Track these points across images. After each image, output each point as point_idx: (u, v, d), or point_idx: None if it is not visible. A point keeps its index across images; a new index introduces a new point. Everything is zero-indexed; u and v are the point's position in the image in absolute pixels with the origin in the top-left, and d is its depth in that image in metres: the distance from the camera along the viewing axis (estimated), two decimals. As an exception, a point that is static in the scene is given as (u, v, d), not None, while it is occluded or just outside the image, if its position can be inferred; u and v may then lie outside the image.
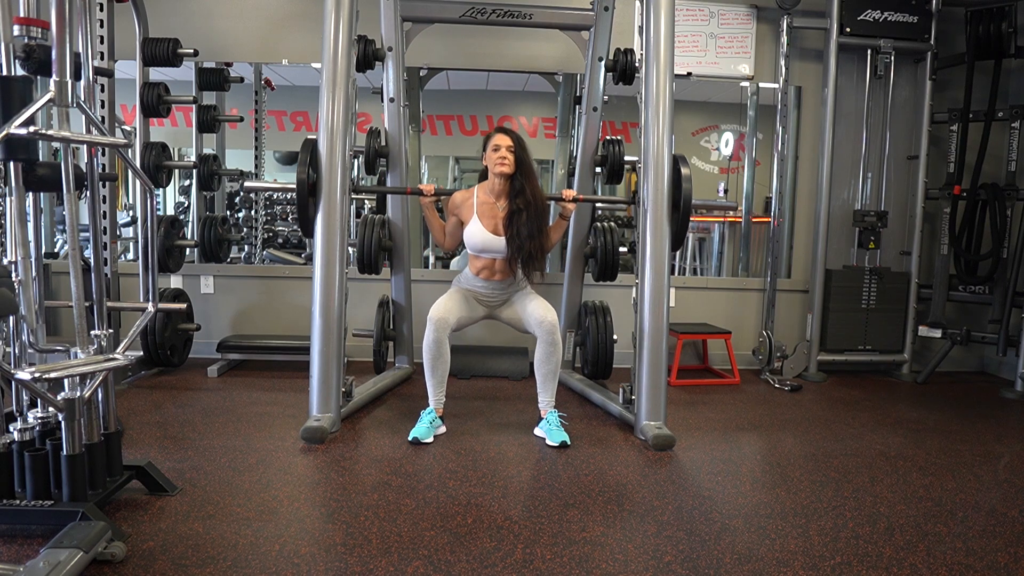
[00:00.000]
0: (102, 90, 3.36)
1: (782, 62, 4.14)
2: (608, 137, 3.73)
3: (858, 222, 4.22)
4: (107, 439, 2.07)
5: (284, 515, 2.09)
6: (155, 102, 3.71)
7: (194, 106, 4.02)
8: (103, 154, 3.28)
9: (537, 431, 2.92)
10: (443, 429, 2.92)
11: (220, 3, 4.11)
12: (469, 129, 5.66)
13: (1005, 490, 2.51)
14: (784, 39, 4.11)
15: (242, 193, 5.05)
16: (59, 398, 1.87)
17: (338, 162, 2.87)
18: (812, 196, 4.34)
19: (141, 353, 3.64)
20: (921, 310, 4.36)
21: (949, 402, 3.77)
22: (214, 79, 4.17)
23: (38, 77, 2.01)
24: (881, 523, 2.15)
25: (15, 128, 1.72)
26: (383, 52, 3.54)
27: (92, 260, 2.18)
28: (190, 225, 4.24)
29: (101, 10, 3.34)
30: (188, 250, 4.10)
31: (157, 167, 3.66)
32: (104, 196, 3.33)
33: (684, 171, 2.88)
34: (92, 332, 2.01)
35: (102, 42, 3.36)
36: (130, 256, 4.66)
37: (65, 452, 1.88)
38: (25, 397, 2.05)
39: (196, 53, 3.80)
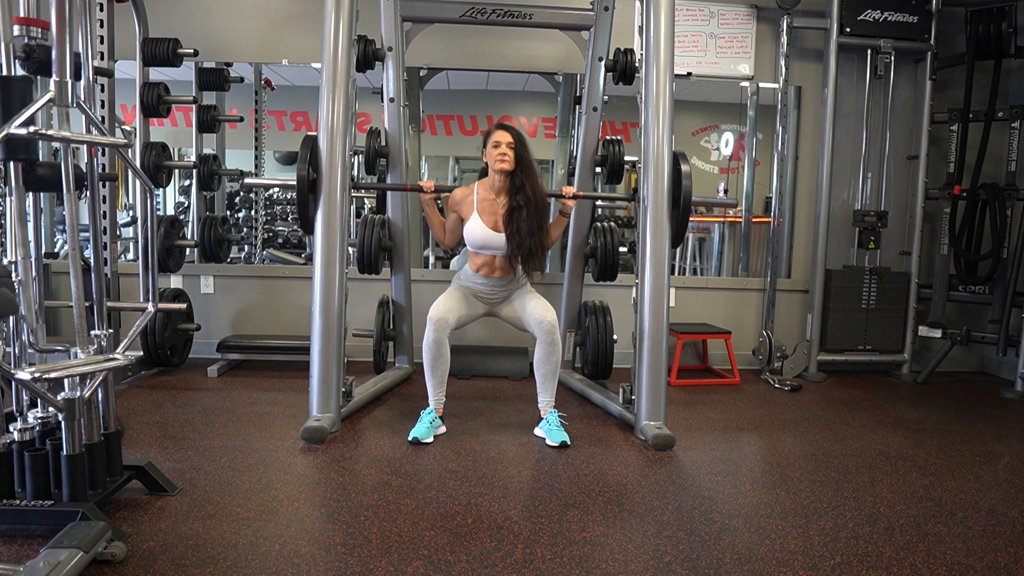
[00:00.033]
0: (102, 90, 3.36)
1: (782, 62, 4.14)
2: (608, 137, 3.73)
3: (858, 222, 4.23)
4: (107, 439, 2.07)
5: (284, 515, 2.09)
6: (155, 102, 3.71)
7: (194, 106, 4.02)
8: (103, 154, 3.28)
9: (537, 431, 2.92)
10: (443, 429, 2.92)
11: (220, 3, 4.11)
12: (469, 129, 5.66)
13: (1005, 490, 2.51)
14: (784, 39, 4.11)
15: (242, 193, 5.05)
16: (59, 398, 1.87)
17: (338, 162, 2.87)
18: (812, 196, 4.34)
19: (141, 353, 3.64)
20: (921, 310, 4.36)
21: (949, 402, 3.77)
22: (214, 79, 4.17)
23: (38, 77, 2.01)
24: (881, 523, 2.15)
25: (15, 128, 1.72)
26: (383, 52, 3.54)
27: (92, 260, 2.18)
28: (190, 225, 4.24)
29: (101, 10, 3.34)
30: (188, 250, 4.10)
31: (157, 167, 3.66)
32: (104, 196, 3.33)
33: (684, 168, 2.88)
34: (92, 332, 2.01)
35: (102, 42, 3.36)
36: (130, 256, 4.66)
37: (65, 452, 1.88)
38: (25, 397, 2.05)
39: (196, 53, 3.80)
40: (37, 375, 1.72)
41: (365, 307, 4.03)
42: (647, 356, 2.92)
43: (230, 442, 2.73)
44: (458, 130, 5.68)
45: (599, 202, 4.03)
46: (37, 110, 1.77)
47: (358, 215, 4.61)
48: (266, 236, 5.16)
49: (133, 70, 3.72)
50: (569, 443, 2.78)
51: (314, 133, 2.91)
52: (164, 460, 2.46)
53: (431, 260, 5.21)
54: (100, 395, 2.05)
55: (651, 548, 1.94)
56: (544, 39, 4.16)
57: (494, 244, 2.89)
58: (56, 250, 4.66)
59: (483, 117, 5.57)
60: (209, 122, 4.06)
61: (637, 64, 3.25)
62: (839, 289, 4.22)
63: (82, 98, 2.00)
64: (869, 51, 4.17)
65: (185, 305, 3.89)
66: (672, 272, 3.09)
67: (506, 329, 3.67)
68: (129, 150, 3.26)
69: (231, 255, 4.45)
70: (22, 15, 1.99)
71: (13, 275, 1.86)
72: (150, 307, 2.17)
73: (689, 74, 4.24)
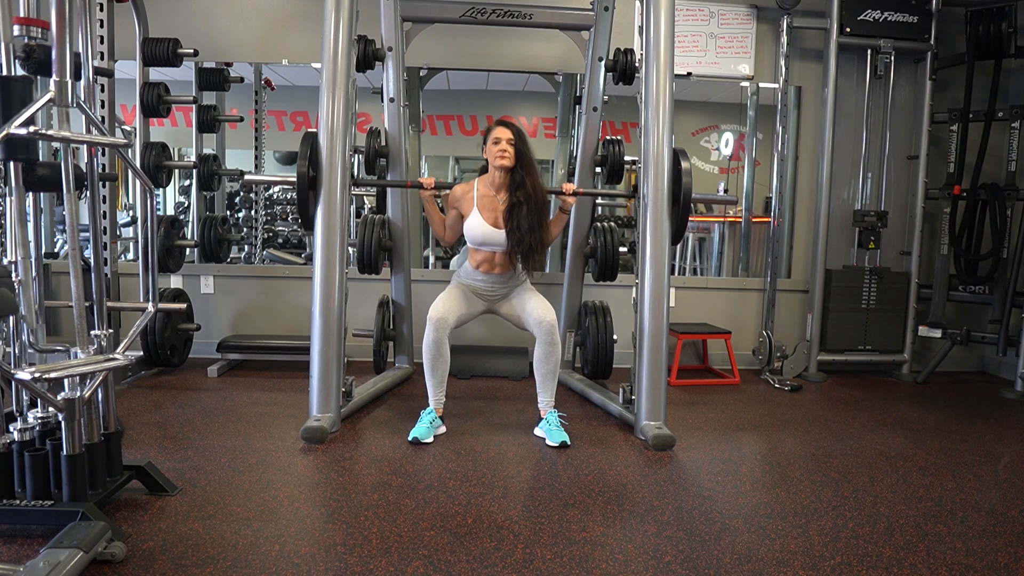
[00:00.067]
0: (102, 90, 3.36)
1: (782, 62, 4.14)
2: (608, 137, 3.73)
3: (858, 222, 4.23)
4: (107, 439, 2.07)
5: (284, 515, 2.09)
6: (155, 102, 3.71)
7: (194, 106, 4.02)
8: (103, 154, 3.28)
9: (537, 431, 2.92)
10: (443, 429, 2.92)
11: (220, 3, 4.11)
12: (469, 129, 5.66)
13: (1005, 490, 2.51)
14: (784, 39, 4.11)
15: (242, 193, 5.05)
16: (59, 398, 1.87)
17: (338, 162, 2.87)
18: (812, 196, 4.34)
19: (141, 353, 3.64)
20: (921, 310, 4.36)
21: (949, 402, 3.77)
22: (214, 79, 4.16)
23: (38, 77, 2.01)
24: (881, 523, 2.15)
25: (15, 128, 1.72)
26: (383, 52, 3.54)
27: (92, 260, 2.18)
28: (190, 225, 4.24)
29: (101, 10, 3.34)
30: (188, 250, 4.10)
31: (157, 167, 3.66)
32: (104, 196, 3.34)
33: (684, 165, 2.88)
34: (92, 332, 2.01)
35: (102, 42, 3.36)
36: (130, 256, 4.66)
37: (65, 452, 1.88)
38: (25, 397, 2.05)
39: (196, 53, 3.80)
40: (37, 375, 1.72)
41: (365, 307, 4.03)
42: (647, 356, 2.92)
43: (230, 442, 2.73)
44: (458, 130, 5.68)
45: (599, 201, 4.03)
46: (37, 110, 1.77)
47: (358, 215, 4.61)
48: (266, 236, 5.16)
49: (133, 70, 3.72)
50: (569, 443, 2.78)
51: (314, 129, 2.91)
52: (164, 460, 2.46)
53: (431, 260, 5.21)
54: (100, 395, 2.05)
55: (651, 548, 1.94)
56: (544, 39, 4.16)
57: (494, 240, 2.89)
58: (56, 250, 4.66)
59: (483, 117, 5.57)
60: (209, 122, 4.06)
61: (637, 64, 3.25)
62: (839, 289, 4.22)
63: (82, 98, 2.00)
64: (869, 51, 4.17)
65: (185, 305, 3.89)
66: (672, 272, 3.10)
67: (506, 329, 3.66)
68: (129, 150, 3.25)
69: (231, 255, 4.45)
70: (22, 15, 1.99)
71: (13, 275, 1.86)
72: (150, 307, 2.17)
73: (689, 74, 4.24)
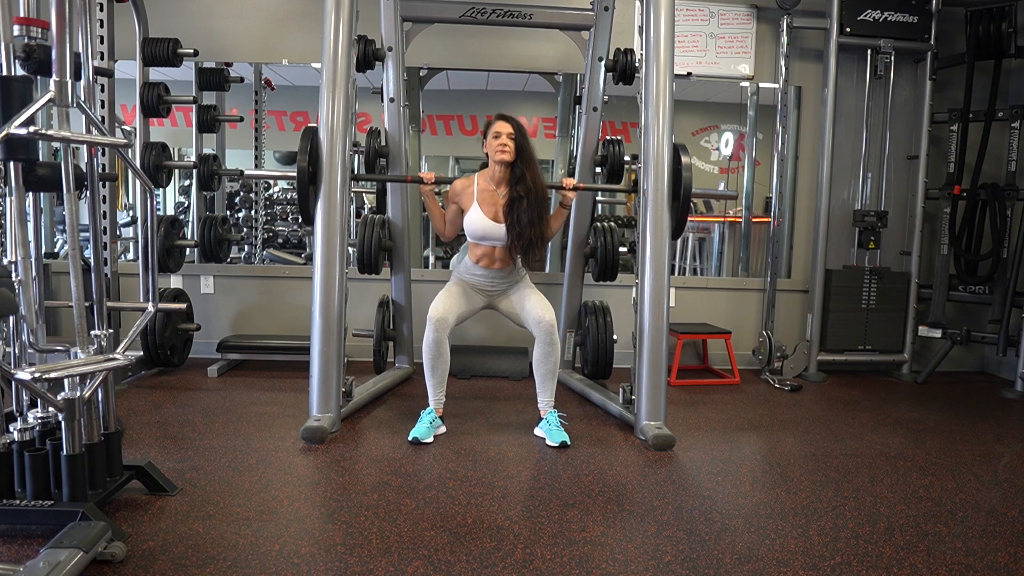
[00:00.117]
0: (102, 90, 3.36)
1: (782, 62, 4.14)
2: (608, 137, 3.74)
3: (858, 222, 4.23)
4: (107, 439, 2.07)
5: (284, 515, 2.09)
6: (155, 102, 3.71)
7: (194, 106, 4.02)
8: (103, 154, 3.28)
9: (537, 431, 2.92)
10: (443, 429, 2.92)
11: (220, 3, 4.11)
12: (469, 129, 5.66)
13: (1005, 490, 2.51)
14: (784, 39, 4.11)
15: (242, 193, 5.05)
16: (59, 398, 1.87)
17: (338, 162, 2.87)
18: (812, 196, 4.34)
19: (141, 353, 3.64)
20: (921, 310, 4.36)
21: (949, 402, 3.77)
22: (214, 79, 4.16)
23: (38, 77, 2.01)
24: (881, 523, 2.15)
25: (15, 128, 1.72)
26: (383, 52, 3.54)
27: (92, 260, 2.18)
28: (190, 225, 4.24)
29: (101, 10, 3.34)
30: (188, 250, 4.10)
31: (157, 167, 3.66)
32: (104, 196, 3.34)
33: (684, 160, 2.88)
34: (92, 332, 2.01)
35: (102, 42, 3.36)
36: (130, 256, 4.66)
37: (65, 452, 1.88)
38: (25, 397, 2.05)
39: (196, 53, 3.80)
40: (37, 375, 1.72)
41: (365, 307, 4.03)
42: (647, 356, 2.92)
43: (230, 442, 2.73)
44: (458, 130, 5.68)
45: (599, 198, 4.03)
46: (37, 110, 1.77)
47: (358, 215, 4.61)
48: (266, 236, 5.16)
49: (133, 70, 3.72)
50: (569, 443, 2.78)
51: (314, 125, 2.91)
52: (164, 460, 2.46)
53: (431, 260, 5.21)
54: (100, 395, 2.05)
55: (651, 548, 1.94)
56: (544, 39, 4.16)
57: (494, 235, 2.89)
58: (56, 250, 4.66)
59: (483, 117, 5.55)
60: (209, 122, 4.06)
61: (637, 64, 3.25)
62: (839, 289, 4.22)
63: (82, 98, 2.00)
64: (869, 51, 4.17)
65: (185, 305, 3.89)
66: (672, 272, 3.09)
67: (506, 329, 3.67)
68: (129, 150, 3.25)
69: (231, 255, 4.45)
70: (22, 15, 1.99)
71: (13, 275, 1.86)
72: (150, 307, 2.17)
73: (689, 74, 4.24)
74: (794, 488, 2.43)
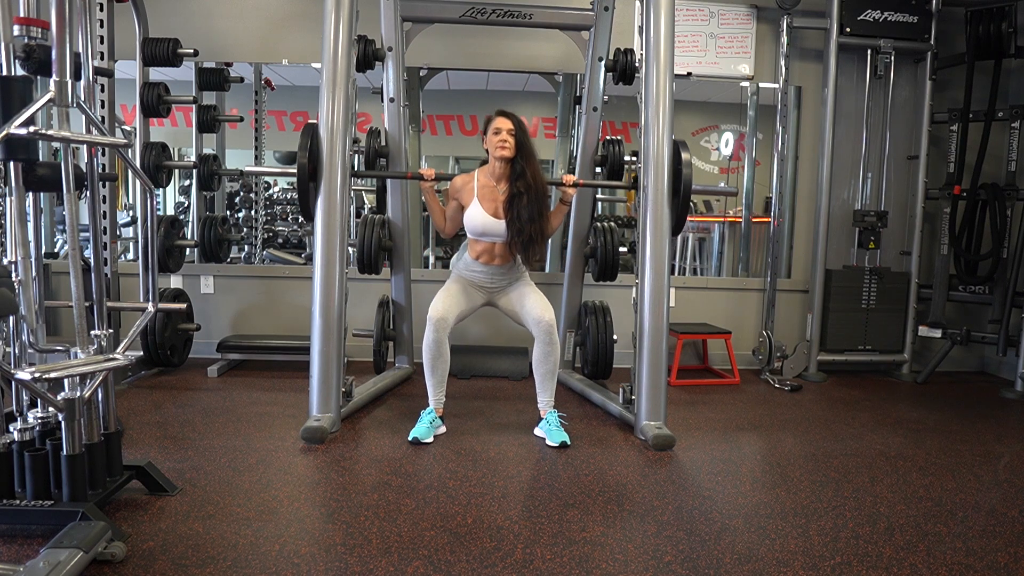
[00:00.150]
0: (102, 90, 3.36)
1: (782, 62, 4.14)
2: (608, 137, 3.74)
3: (858, 222, 4.23)
4: (107, 439, 2.07)
5: (284, 515, 2.09)
6: (155, 102, 3.71)
7: (194, 106, 4.02)
8: (103, 154, 3.28)
9: (537, 431, 2.92)
10: (443, 429, 2.92)
11: (220, 3, 4.11)
12: (469, 129, 5.66)
13: (1005, 490, 2.51)
14: (784, 39, 4.11)
15: (242, 192, 5.05)
16: (59, 398, 1.87)
17: (338, 162, 2.87)
18: (812, 196, 4.34)
19: (141, 353, 3.64)
20: (921, 310, 4.36)
21: (949, 402, 3.77)
22: (214, 79, 4.16)
23: (38, 77, 2.01)
24: (881, 523, 2.15)
25: (15, 128, 1.72)
26: (383, 52, 3.54)
27: (92, 260, 2.18)
28: (190, 225, 4.24)
29: (101, 10, 3.34)
30: (188, 250, 4.10)
31: (157, 167, 3.66)
32: (104, 196, 3.34)
33: (684, 156, 2.88)
34: (92, 332, 2.01)
35: (102, 42, 3.36)
36: (130, 256, 4.66)
37: (65, 452, 1.88)
38: (25, 397, 2.05)
39: (196, 53, 3.80)
40: (37, 375, 1.72)
41: (365, 307, 4.03)
42: (647, 356, 2.92)
43: (230, 442, 2.73)
44: (458, 130, 5.68)
45: (599, 196, 4.03)
46: (37, 110, 1.77)
47: (358, 215, 4.61)
48: (266, 236, 5.16)
49: (133, 70, 3.72)
50: (569, 443, 2.78)
51: (314, 122, 2.90)
52: (164, 460, 2.46)
53: (431, 260, 5.21)
54: (100, 395, 2.05)
55: (651, 548, 1.94)
56: (544, 39, 4.16)
57: (494, 231, 2.88)
58: (56, 250, 4.65)
59: (483, 117, 5.54)
60: (209, 122, 4.06)
61: (637, 64, 3.25)
62: (839, 289, 4.22)
63: (82, 98, 2.00)
64: (869, 51, 4.17)
65: (185, 305, 3.89)
66: (672, 272, 3.09)
67: (506, 329, 3.66)
68: (129, 150, 3.26)
69: (231, 255, 4.45)
70: (22, 15, 1.99)
71: (13, 275, 1.86)
72: (150, 307, 2.17)
73: (689, 74, 4.24)
74: (794, 488, 2.43)
